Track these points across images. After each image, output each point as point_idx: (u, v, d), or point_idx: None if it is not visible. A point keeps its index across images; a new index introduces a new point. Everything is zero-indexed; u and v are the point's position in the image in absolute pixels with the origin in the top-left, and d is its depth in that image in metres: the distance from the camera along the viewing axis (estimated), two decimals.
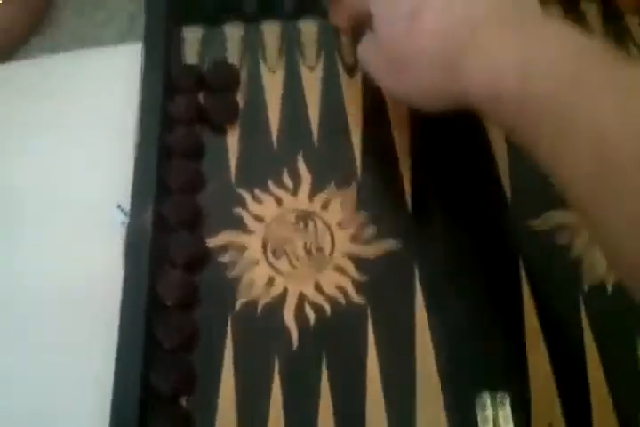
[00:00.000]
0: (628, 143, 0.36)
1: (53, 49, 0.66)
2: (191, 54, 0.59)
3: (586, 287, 0.48)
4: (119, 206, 0.54)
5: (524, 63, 0.41)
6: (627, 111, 0.37)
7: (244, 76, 0.58)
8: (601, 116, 0.37)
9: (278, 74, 0.57)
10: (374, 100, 0.55)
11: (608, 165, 0.37)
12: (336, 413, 0.45)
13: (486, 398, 0.45)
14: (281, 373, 0.46)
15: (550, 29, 0.43)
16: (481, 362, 0.46)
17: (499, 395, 0.45)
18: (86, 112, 0.59)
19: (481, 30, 0.44)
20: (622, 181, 0.36)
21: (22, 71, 0.63)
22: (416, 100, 0.50)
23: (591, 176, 0.37)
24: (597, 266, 0.48)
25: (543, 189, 0.46)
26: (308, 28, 0.59)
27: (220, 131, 0.55)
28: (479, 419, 0.45)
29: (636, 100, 0.37)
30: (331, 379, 0.46)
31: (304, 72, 0.57)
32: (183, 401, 0.46)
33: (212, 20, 0.60)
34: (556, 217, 0.50)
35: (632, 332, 0.47)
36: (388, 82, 0.51)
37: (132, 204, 0.52)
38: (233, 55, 0.58)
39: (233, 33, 0.59)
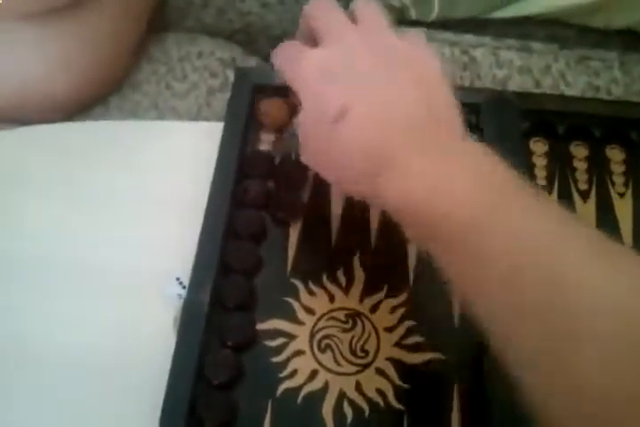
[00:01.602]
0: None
1: (131, 112, 0.69)
2: (267, 141, 0.62)
3: None
4: (178, 279, 0.56)
5: (439, 190, 0.43)
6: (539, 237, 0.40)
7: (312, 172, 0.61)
8: (515, 244, 0.40)
9: None
10: None
11: (519, 297, 0.40)
12: None
13: None
14: None
15: (466, 155, 0.45)
16: None
17: None
18: (156, 183, 0.62)
19: (401, 148, 0.45)
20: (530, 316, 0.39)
21: (98, 131, 0.66)
22: (338, 187, 0.53)
23: (502, 305, 0.41)
24: None
25: None
26: None
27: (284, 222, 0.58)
28: None
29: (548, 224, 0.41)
30: None
31: None
32: None
33: (293, 112, 0.63)
34: None
35: None
36: (313, 163, 0.52)
37: (192, 279, 0.54)
38: None
39: None
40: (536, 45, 0.71)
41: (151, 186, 0.61)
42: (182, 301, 0.54)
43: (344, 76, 0.48)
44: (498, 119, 0.62)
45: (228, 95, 0.64)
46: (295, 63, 0.50)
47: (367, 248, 0.57)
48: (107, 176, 0.62)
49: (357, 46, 0.49)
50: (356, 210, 0.58)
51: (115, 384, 0.53)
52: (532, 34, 0.72)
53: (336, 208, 0.59)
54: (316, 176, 0.59)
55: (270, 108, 0.63)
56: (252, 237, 0.58)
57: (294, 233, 0.58)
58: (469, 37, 0.71)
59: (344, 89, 0.48)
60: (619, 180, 0.61)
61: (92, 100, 0.69)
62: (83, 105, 0.69)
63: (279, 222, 0.58)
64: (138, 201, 0.61)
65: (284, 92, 0.63)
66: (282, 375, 0.52)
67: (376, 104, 0.47)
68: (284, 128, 0.63)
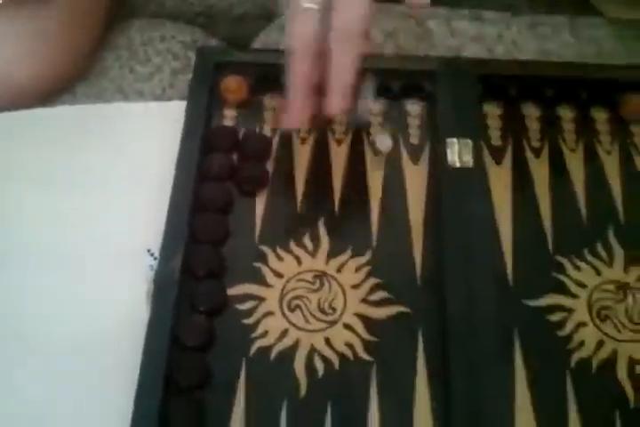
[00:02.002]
0: None
1: (98, 98, 0.71)
2: (230, 117, 0.64)
3: (573, 363, 0.53)
4: (149, 250, 0.58)
5: None
6: None
7: (276, 142, 0.63)
8: None
9: (308, 145, 0.63)
10: (394, 178, 0.60)
11: None
12: None
13: None
14: (288, 417, 0.50)
15: None
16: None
17: None
18: (125, 162, 0.64)
19: None
20: None
21: (67, 115, 0.68)
22: None
23: None
24: (585, 345, 0.53)
25: (544, 273, 0.54)
26: None
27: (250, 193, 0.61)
28: None
29: None
30: None
31: (332, 145, 0.62)
32: None
33: (253, 89, 0.65)
34: (553, 298, 0.55)
35: (613, 405, 0.51)
36: None
37: (162, 250, 0.56)
38: (269, 123, 0.64)
39: (271, 103, 0.65)
40: (488, 14, 0.73)
41: (120, 165, 0.63)
42: (154, 272, 0.56)
43: None
44: (453, 85, 0.64)
45: (190, 76, 0.66)
46: None
47: (331, 213, 0.59)
48: (77, 158, 0.64)
49: None
50: (321, 176, 0.61)
51: (95, 364, 0.54)
52: (485, 3, 0.74)
53: (300, 177, 0.61)
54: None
55: (231, 84, 0.65)
56: (219, 209, 0.59)
57: (260, 203, 0.60)
58: (424, 9, 0.73)
59: None
60: (570, 137, 0.63)
61: (56, 87, 0.70)
62: (48, 93, 0.70)
63: (245, 193, 0.60)
64: (109, 179, 0.63)
65: (245, 70, 0.66)
66: (253, 336, 0.53)
67: None
68: (245, 104, 0.65)
